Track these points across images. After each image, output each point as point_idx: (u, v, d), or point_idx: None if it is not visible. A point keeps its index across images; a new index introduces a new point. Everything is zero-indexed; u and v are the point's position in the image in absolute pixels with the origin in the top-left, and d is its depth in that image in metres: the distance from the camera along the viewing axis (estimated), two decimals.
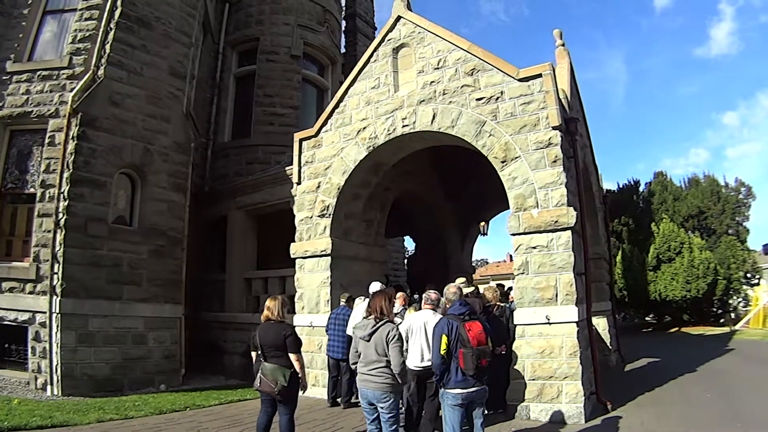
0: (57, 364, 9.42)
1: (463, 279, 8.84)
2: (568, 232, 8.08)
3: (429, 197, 14.24)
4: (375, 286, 8.79)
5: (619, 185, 28.90)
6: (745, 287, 24.95)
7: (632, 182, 27.73)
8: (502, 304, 8.84)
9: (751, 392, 8.97)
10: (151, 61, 11.24)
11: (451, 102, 9.44)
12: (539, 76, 8.61)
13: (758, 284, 25.55)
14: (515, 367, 8.20)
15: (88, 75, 10.40)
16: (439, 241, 15.39)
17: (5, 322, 9.86)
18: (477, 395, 5.08)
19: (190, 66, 12.04)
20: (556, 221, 8.13)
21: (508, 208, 9.43)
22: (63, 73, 10.57)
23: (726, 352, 14.81)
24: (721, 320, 24.68)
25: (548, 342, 8.03)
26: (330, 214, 10.50)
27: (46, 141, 10.21)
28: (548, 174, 8.32)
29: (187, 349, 12.17)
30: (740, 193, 26.29)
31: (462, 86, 9.36)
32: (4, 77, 10.72)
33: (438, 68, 9.73)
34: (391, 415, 5.19)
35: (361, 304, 8.79)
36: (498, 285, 10.91)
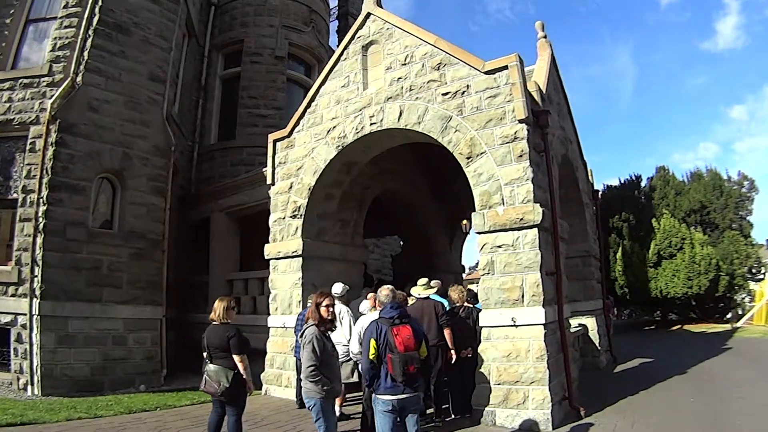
0: (37, 365, 9.18)
1: (425, 279, 8.12)
2: (535, 230, 7.29)
3: (414, 196, 13.49)
4: (337, 288, 8.17)
5: (620, 180, 27.68)
6: (749, 283, 23.45)
7: (634, 177, 26.31)
8: (469, 305, 8.13)
9: (737, 397, 8.05)
10: (130, 67, 10.80)
11: (417, 98, 8.72)
12: (505, 68, 7.83)
13: (763, 279, 24.12)
14: (481, 370, 7.44)
15: (66, 82, 10.01)
16: (426, 240, 14.57)
17: None
18: (409, 402, 4.57)
19: (170, 70, 11.59)
20: (522, 219, 7.36)
21: None
22: (43, 81, 10.22)
23: (722, 352, 13.79)
24: (727, 317, 23.44)
25: (514, 345, 7.26)
26: (302, 215, 9.85)
27: (28, 147, 9.87)
28: (514, 169, 7.55)
29: (175, 349, 11.76)
30: (743, 186, 24.76)
31: (428, 81, 8.64)
32: None
33: (405, 64, 9.02)
34: (316, 419, 4.79)
35: None
36: (468, 285, 10.08)
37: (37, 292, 9.28)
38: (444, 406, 7.77)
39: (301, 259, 9.70)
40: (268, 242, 10.36)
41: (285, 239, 10.00)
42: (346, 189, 10.55)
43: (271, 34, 15.20)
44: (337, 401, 7.55)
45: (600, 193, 13.50)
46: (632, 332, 21.89)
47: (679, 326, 22.51)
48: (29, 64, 10.67)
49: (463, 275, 19.76)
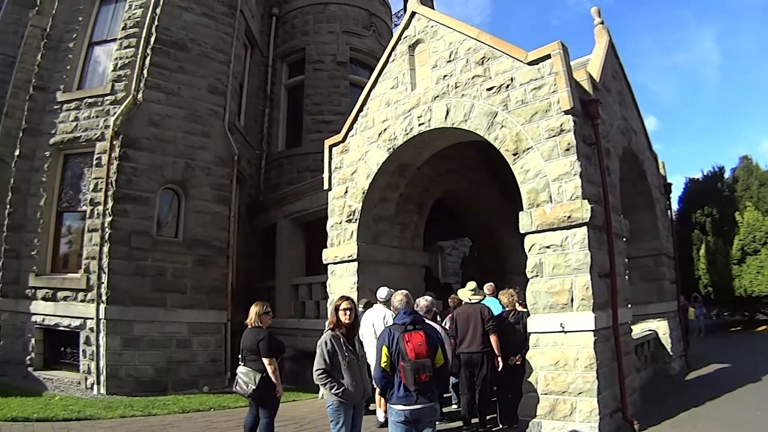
0: (103, 366, 9.55)
1: (473, 284, 7.71)
2: (584, 229, 6.66)
3: (480, 196, 12.92)
4: (382, 292, 7.91)
5: (703, 173, 25.34)
6: None
7: (716, 169, 23.95)
8: (522, 309, 7.64)
9: None
10: (189, 81, 11.05)
11: (463, 95, 8.30)
12: (548, 57, 7.26)
13: None
14: (528, 379, 6.90)
15: (128, 99, 10.40)
16: (494, 241, 13.88)
17: (60, 328, 10.09)
18: (423, 413, 4.24)
19: (231, 82, 11.72)
20: (569, 216, 6.75)
21: None
22: (107, 99, 10.68)
23: None
24: None
25: (562, 352, 6.65)
26: (356, 219, 9.57)
27: (94, 162, 10.32)
28: (561, 164, 6.96)
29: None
30: None
31: (473, 77, 8.19)
32: (55, 106, 11.05)
33: (450, 61, 8.63)
34: (330, 421, 4.72)
35: (369, 311, 8.01)
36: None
37: (104, 298, 9.65)
38: (491, 416, 7.37)
39: (356, 263, 9.43)
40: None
41: (341, 244, 9.77)
42: (402, 192, 10.19)
43: (332, 41, 15.14)
44: (380, 407, 7.36)
45: (671, 186, 12.31)
46: (717, 334, 20.10)
47: (766, 327, 20.39)
48: (93, 84, 11.21)
49: None
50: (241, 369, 5.52)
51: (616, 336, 6.92)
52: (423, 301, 6.59)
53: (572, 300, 6.65)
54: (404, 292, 5.14)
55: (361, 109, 10.02)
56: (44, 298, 10.24)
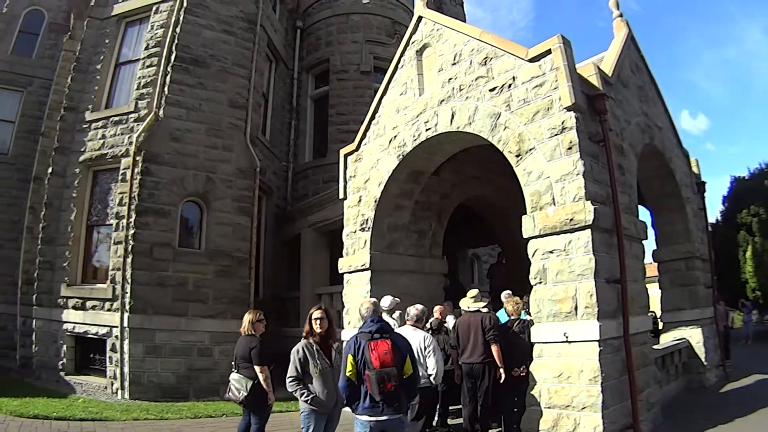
0: (127, 372, 9.62)
1: (475, 291, 7.24)
2: (587, 232, 6.09)
3: (504, 201, 12.17)
4: (385, 301, 7.55)
5: (749, 171, 23.38)
6: None
7: (764, 166, 22.25)
8: (529, 318, 7.12)
9: None
10: (210, 96, 11.02)
11: (467, 98, 7.87)
12: (549, 52, 6.78)
13: None
14: (532, 392, 6.42)
15: (150, 116, 10.46)
16: (520, 247, 13.29)
17: (89, 336, 10.22)
18: (390, 425, 4.07)
19: (252, 95, 11.63)
20: (572, 219, 6.22)
21: None
22: (131, 117, 10.81)
23: None
24: None
25: (566, 364, 6.10)
26: (369, 228, 9.20)
27: (119, 178, 10.44)
28: (564, 164, 6.44)
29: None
30: None
31: (477, 78, 7.76)
32: (84, 126, 11.30)
33: (455, 63, 8.22)
34: (302, 428, 4.73)
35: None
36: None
37: (127, 307, 9.70)
38: (494, 430, 6.89)
39: (369, 272, 9.06)
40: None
41: (356, 252, 9.43)
42: (418, 199, 9.75)
43: (356, 50, 14.85)
44: None
45: (705, 185, 11.26)
46: (765, 341, 18.59)
47: None
48: (120, 103, 11.36)
49: None
50: (234, 376, 5.54)
51: (627, 347, 6.26)
52: (413, 310, 6.23)
53: (576, 308, 6.10)
54: (372, 299, 4.80)
55: (373, 117, 9.74)
56: (75, 307, 10.42)
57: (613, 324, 6.15)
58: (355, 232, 9.64)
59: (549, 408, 6.09)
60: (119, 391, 9.62)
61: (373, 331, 4.17)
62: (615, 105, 7.62)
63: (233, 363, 5.70)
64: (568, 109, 6.43)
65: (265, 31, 12.65)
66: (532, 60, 6.97)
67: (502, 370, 6.52)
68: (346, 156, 10.19)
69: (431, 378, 5.78)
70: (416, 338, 5.81)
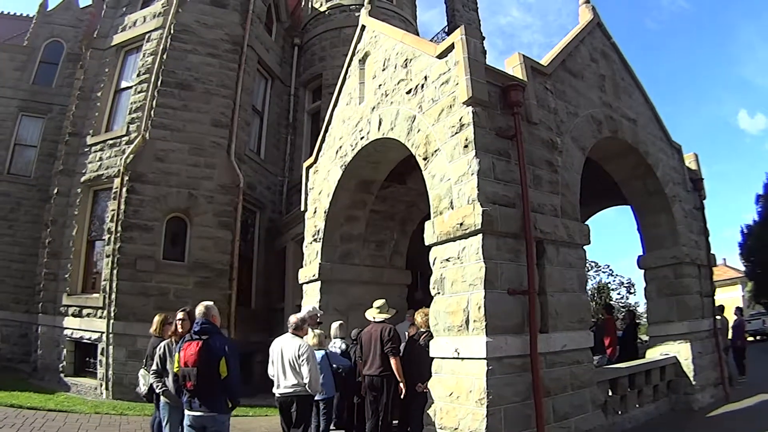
0: (111, 374, 9.63)
1: (381, 301, 6.43)
2: (479, 237, 5.21)
3: None
4: (305, 309, 7.03)
5: None
6: None
7: None
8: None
9: None
10: (193, 118, 10.88)
11: (392, 102, 7.09)
12: (453, 47, 6.03)
13: None
14: (428, 410, 5.55)
15: (138, 139, 10.50)
16: None
17: (84, 340, 10.35)
18: (205, 421, 4.12)
19: (238, 114, 11.41)
20: (462, 224, 5.32)
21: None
22: (123, 140, 10.93)
23: None
24: None
25: (458, 383, 5.16)
26: (320, 238, 8.57)
27: (112, 196, 10.47)
28: (462, 164, 5.54)
29: (260, 372, 11.59)
30: None
31: (399, 82, 6.98)
32: (86, 149, 11.54)
33: (384, 69, 7.47)
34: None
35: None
36: None
37: (113, 314, 9.74)
38: None
39: (319, 282, 8.42)
40: None
41: (311, 263, 8.78)
42: (378, 208, 9.03)
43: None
44: None
45: (703, 182, 9.56)
46: None
47: None
48: (116, 127, 11.53)
49: None
50: (141, 372, 5.64)
51: (534, 366, 5.23)
52: (293, 318, 5.57)
53: (467, 321, 5.18)
54: (205, 303, 4.46)
55: (326, 130, 9.17)
56: (73, 315, 10.61)
57: (514, 340, 5.15)
58: (311, 243, 9.09)
59: (441, 429, 5.20)
60: (104, 392, 9.68)
61: (193, 332, 4.20)
62: (551, 96, 6.60)
63: (144, 361, 5.75)
64: (465, 103, 5.56)
65: (254, 51, 12.38)
66: (440, 56, 6.16)
67: (402, 384, 5.75)
68: (307, 168, 9.68)
69: (307, 387, 5.16)
70: (293, 346, 5.25)
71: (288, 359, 5.25)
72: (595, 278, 32.91)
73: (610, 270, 32.14)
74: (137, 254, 10.08)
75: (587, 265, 33.86)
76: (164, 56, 11.01)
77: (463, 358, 5.17)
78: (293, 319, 5.54)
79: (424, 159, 6.21)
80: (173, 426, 4.77)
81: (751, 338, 20.24)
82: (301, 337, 5.47)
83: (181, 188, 10.61)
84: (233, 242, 10.97)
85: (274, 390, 5.42)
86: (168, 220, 10.66)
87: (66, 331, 10.66)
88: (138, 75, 11.34)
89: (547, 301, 5.64)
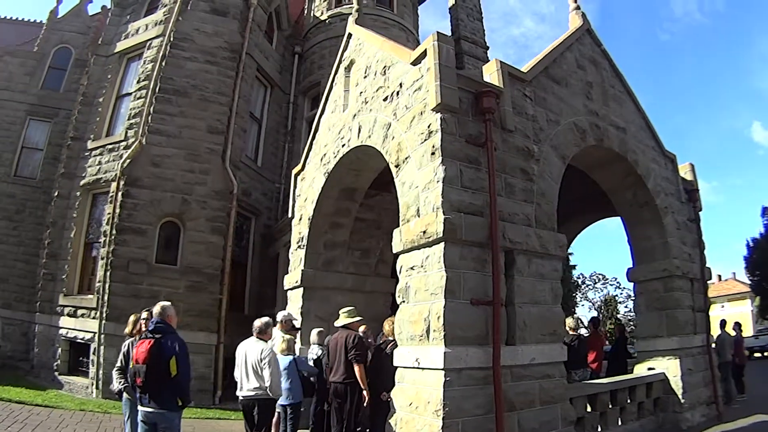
0: (101, 374, 9.57)
1: (350, 308, 6.34)
2: (441, 246, 5.07)
3: None
4: (256, 323, 6.91)
5: None
6: None
7: None
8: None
9: None
10: (189, 124, 10.90)
11: (371, 110, 7.02)
12: (426, 53, 5.94)
13: None
14: (390, 420, 5.42)
15: (135, 144, 10.55)
16: None
17: (78, 340, 10.40)
18: (155, 418, 4.21)
19: (234, 121, 11.42)
20: (425, 232, 5.21)
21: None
22: (121, 145, 10.99)
23: None
24: None
25: (418, 393, 5.01)
26: (304, 245, 8.50)
27: (108, 200, 10.53)
28: (429, 171, 5.42)
29: None
30: None
31: (377, 89, 6.90)
32: (86, 153, 11.63)
33: (366, 76, 7.41)
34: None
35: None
36: None
37: (104, 315, 9.75)
38: None
39: (302, 289, 8.35)
40: None
41: (295, 270, 8.73)
42: (364, 216, 8.91)
43: None
44: None
45: (698, 193, 9.23)
46: None
47: None
48: (116, 132, 11.61)
49: None
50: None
51: (496, 380, 5.05)
52: (257, 322, 5.52)
53: (428, 331, 5.05)
54: (161, 304, 4.54)
55: (314, 137, 9.13)
56: (69, 315, 10.67)
57: (476, 352, 4.99)
58: (296, 249, 9.02)
59: None
60: (94, 391, 9.67)
61: (147, 331, 4.30)
62: (530, 103, 6.46)
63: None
64: (435, 110, 5.45)
65: (253, 59, 12.42)
66: (414, 63, 6.07)
67: (366, 392, 5.63)
68: (295, 175, 9.63)
69: (268, 390, 5.09)
70: (256, 350, 5.24)
71: (251, 362, 5.25)
72: (602, 291, 32.31)
73: (618, 283, 31.50)
74: (130, 257, 10.10)
75: (595, 278, 33.53)
76: (163, 63, 11.09)
77: (423, 368, 5.03)
78: (257, 323, 5.49)
79: (396, 166, 6.12)
80: (133, 422, 4.84)
81: (758, 354, 19.60)
82: (266, 341, 5.41)
83: (175, 193, 10.62)
84: (226, 247, 10.95)
85: (238, 392, 5.41)
86: (162, 225, 10.64)
87: (61, 331, 10.74)
88: (138, 82, 11.44)
89: (515, 313, 5.46)
